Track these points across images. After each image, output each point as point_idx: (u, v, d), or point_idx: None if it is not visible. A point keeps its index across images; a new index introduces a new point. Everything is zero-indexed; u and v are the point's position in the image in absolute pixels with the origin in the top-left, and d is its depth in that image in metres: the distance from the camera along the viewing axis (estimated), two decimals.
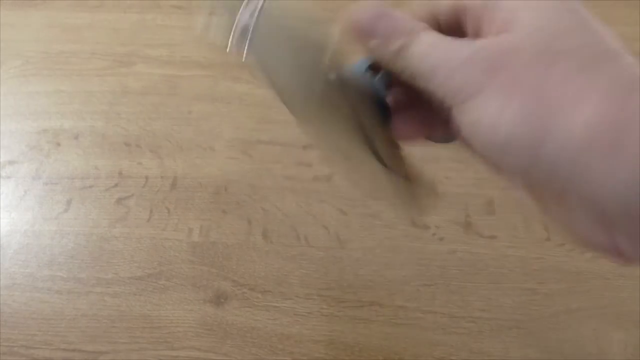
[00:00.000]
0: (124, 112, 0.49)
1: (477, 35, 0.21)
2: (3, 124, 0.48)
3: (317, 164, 0.45)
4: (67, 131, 0.48)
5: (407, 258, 0.38)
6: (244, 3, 0.22)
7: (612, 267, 0.40)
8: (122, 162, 0.46)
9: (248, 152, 0.46)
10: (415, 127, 0.24)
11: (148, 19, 0.56)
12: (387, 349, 0.37)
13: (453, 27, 0.22)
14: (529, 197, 0.20)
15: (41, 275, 0.40)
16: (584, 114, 0.17)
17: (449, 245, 0.41)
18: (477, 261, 0.40)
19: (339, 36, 0.23)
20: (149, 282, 0.40)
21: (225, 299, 0.39)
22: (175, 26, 0.55)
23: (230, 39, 0.22)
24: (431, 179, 0.26)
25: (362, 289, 0.40)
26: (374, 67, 0.23)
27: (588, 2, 0.61)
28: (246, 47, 0.22)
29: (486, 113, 0.18)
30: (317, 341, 0.38)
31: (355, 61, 0.24)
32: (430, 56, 0.19)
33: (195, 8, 0.57)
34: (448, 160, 0.45)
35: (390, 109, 0.24)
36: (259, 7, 0.22)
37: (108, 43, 0.54)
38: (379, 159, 0.24)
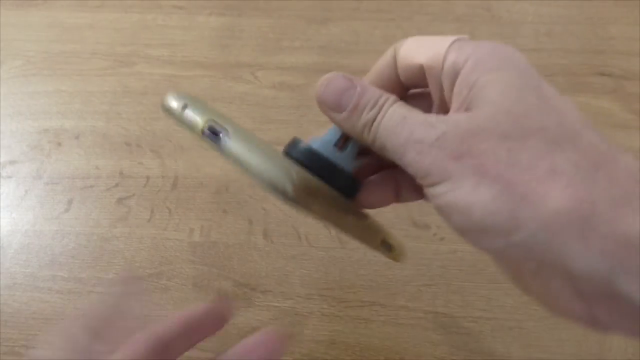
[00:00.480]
0: (124, 112, 0.49)
1: (440, 101, 0.22)
2: (4, 123, 0.48)
3: None
4: (68, 131, 0.48)
5: (408, 258, 0.38)
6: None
7: None
8: (123, 162, 0.46)
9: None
10: (386, 193, 0.25)
11: (149, 19, 0.56)
12: (388, 348, 0.37)
13: (416, 83, 0.23)
14: (504, 271, 0.21)
15: (42, 275, 0.40)
16: (554, 200, 0.17)
17: (449, 245, 0.41)
18: (477, 261, 0.40)
19: None
20: (150, 282, 0.40)
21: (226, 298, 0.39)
22: (176, 26, 0.55)
23: (202, 133, 0.24)
24: (400, 242, 0.27)
25: (363, 289, 0.40)
26: (345, 137, 0.24)
27: (589, 2, 0.61)
28: (220, 142, 0.24)
29: (456, 198, 0.18)
30: (318, 341, 0.38)
31: (325, 133, 0.25)
32: (399, 134, 0.20)
33: (196, 8, 0.57)
34: None
35: (358, 182, 0.24)
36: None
37: (109, 43, 0.54)
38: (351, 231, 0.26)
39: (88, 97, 0.50)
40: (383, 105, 0.21)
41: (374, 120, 0.21)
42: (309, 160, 0.25)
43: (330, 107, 0.23)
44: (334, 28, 0.55)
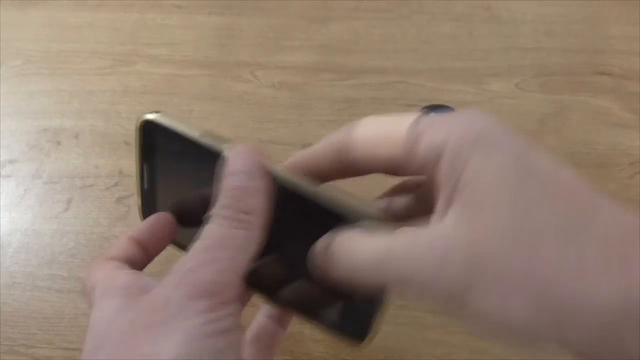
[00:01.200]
0: (124, 111, 0.49)
1: (430, 190, 0.20)
2: (3, 123, 0.48)
3: None
4: (67, 130, 0.48)
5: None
6: None
7: None
8: (122, 161, 0.46)
9: None
10: None
11: (148, 18, 0.56)
12: (388, 348, 0.37)
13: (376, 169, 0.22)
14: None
15: (41, 274, 0.40)
16: (598, 297, 0.16)
17: None
18: None
19: None
20: None
21: None
22: (176, 25, 0.55)
23: None
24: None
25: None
26: None
27: (589, 1, 0.61)
28: None
29: (488, 308, 0.17)
30: (318, 340, 0.38)
31: None
32: (411, 260, 0.18)
33: (196, 7, 0.57)
34: None
35: None
36: None
37: (108, 42, 0.54)
38: None
39: (87, 96, 0.50)
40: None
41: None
42: None
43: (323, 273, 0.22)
44: (333, 27, 0.55)
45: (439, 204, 0.19)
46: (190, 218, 0.28)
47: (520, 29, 0.55)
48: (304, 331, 0.38)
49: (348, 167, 0.22)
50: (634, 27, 0.55)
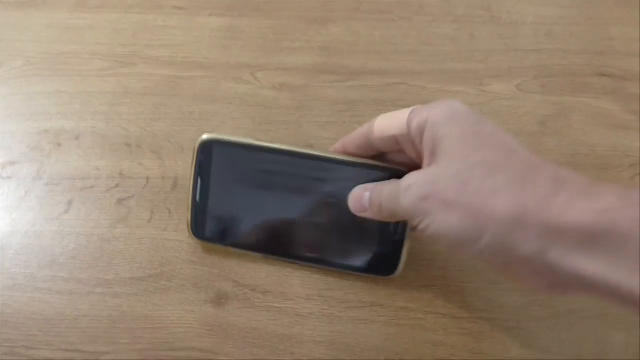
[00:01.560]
0: (125, 113, 0.49)
1: (416, 156, 0.31)
2: (4, 124, 0.48)
3: None
4: (68, 132, 0.48)
5: (408, 259, 0.38)
6: None
7: None
8: (123, 162, 0.46)
9: None
10: None
11: (149, 19, 0.56)
12: (388, 349, 0.37)
13: (391, 149, 0.34)
14: (489, 267, 0.31)
15: (42, 275, 0.40)
16: (499, 210, 0.25)
17: None
18: (477, 262, 0.40)
19: None
20: (150, 283, 0.40)
21: (226, 299, 0.39)
22: (177, 27, 0.55)
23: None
24: None
25: (363, 290, 0.40)
26: None
27: (590, 2, 0.62)
28: None
29: (436, 229, 0.27)
30: (318, 342, 0.38)
31: None
32: (390, 202, 0.30)
33: (197, 9, 0.57)
34: None
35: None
36: None
37: (109, 44, 0.54)
38: None
39: (88, 98, 0.50)
40: (380, 190, 0.32)
41: (380, 203, 0.31)
42: None
43: (360, 211, 0.34)
44: (334, 29, 0.55)
45: (424, 164, 0.30)
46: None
47: (521, 31, 0.55)
48: (304, 332, 0.38)
49: (371, 147, 0.34)
50: (634, 28, 0.55)
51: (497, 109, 0.50)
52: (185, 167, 0.45)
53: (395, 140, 0.31)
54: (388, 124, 0.32)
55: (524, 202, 0.25)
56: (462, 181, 0.26)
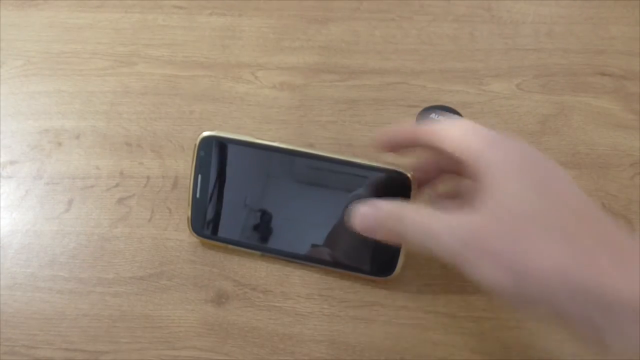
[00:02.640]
0: (125, 112, 0.49)
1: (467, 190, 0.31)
2: (4, 123, 0.48)
3: None
4: (68, 131, 0.48)
5: (408, 258, 0.38)
6: None
7: None
8: (123, 162, 0.46)
9: None
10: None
11: (149, 19, 0.56)
12: (388, 349, 0.37)
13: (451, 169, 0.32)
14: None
15: (42, 275, 0.40)
16: (550, 266, 0.23)
17: None
18: None
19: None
20: (151, 282, 0.40)
21: (227, 298, 0.39)
22: (177, 26, 0.55)
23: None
24: None
25: (363, 289, 0.40)
26: None
27: (590, 2, 0.61)
28: None
29: (476, 273, 0.25)
30: (319, 341, 0.38)
31: None
32: (425, 237, 0.27)
33: (197, 8, 0.57)
34: None
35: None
36: None
37: (109, 43, 0.54)
38: None
39: (88, 97, 0.50)
40: (404, 215, 0.28)
41: (400, 231, 0.28)
42: None
43: (368, 233, 0.30)
44: (334, 28, 0.55)
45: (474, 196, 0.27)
46: None
47: (521, 30, 0.55)
48: (304, 332, 0.38)
49: (416, 144, 0.31)
50: (634, 27, 0.55)
51: (497, 108, 0.50)
52: (185, 167, 0.45)
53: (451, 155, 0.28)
54: (460, 139, 0.28)
55: (569, 266, 0.22)
56: (509, 234, 0.24)
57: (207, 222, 0.39)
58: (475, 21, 0.56)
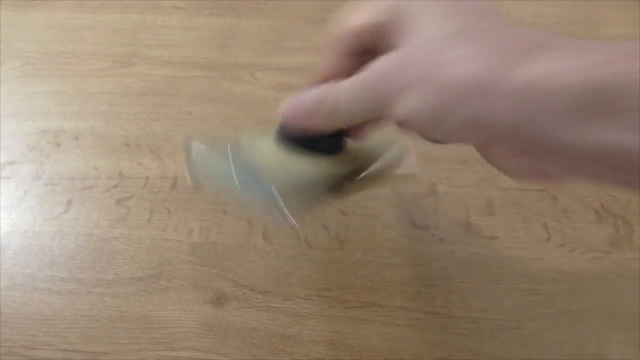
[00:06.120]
0: (124, 113, 0.49)
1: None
2: (3, 124, 0.48)
3: None
4: (67, 132, 0.48)
5: (407, 259, 0.38)
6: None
7: (612, 267, 0.40)
8: (122, 162, 0.46)
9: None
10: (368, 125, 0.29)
11: (148, 19, 0.56)
12: (387, 349, 0.37)
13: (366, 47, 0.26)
14: (476, 149, 0.25)
15: (41, 275, 0.40)
16: (472, 77, 0.20)
17: (448, 246, 0.41)
18: (477, 262, 0.40)
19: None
20: (149, 283, 0.40)
21: (226, 299, 0.39)
22: (176, 27, 0.55)
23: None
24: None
25: (362, 290, 0.40)
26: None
27: (589, 2, 0.61)
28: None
29: (406, 109, 0.22)
30: (317, 342, 0.38)
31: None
32: (354, 92, 0.23)
33: (196, 9, 0.57)
34: (448, 161, 0.45)
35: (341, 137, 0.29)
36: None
37: (108, 44, 0.54)
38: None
39: (87, 97, 0.50)
40: (333, 87, 0.24)
41: (334, 102, 0.24)
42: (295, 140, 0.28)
43: (300, 119, 0.26)
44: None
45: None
46: None
47: None
48: (303, 332, 0.38)
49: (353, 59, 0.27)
50: (633, 28, 0.55)
51: None
52: (184, 167, 0.45)
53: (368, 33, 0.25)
54: (354, 16, 0.25)
55: (495, 65, 0.20)
56: (426, 57, 0.21)
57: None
58: None
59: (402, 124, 0.23)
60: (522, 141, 0.20)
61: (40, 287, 0.40)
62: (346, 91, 0.24)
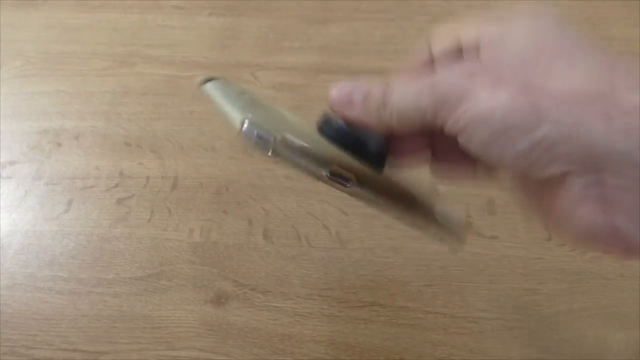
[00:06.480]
0: (124, 113, 0.49)
1: None
2: (4, 124, 0.48)
3: None
4: (67, 131, 0.48)
5: (408, 258, 0.38)
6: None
7: (612, 267, 0.40)
8: (123, 162, 0.46)
9: (249, 152, 0.46)
10: (416, 145, 0.24)
11: (149, 19, 0.56)
12: (388, 349, 0.37)
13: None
14: (527, 194, 0.21)
15: (42, 275, 0.40)
16: (572, 83, 0.17)
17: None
18: (478, 261, 0.40)
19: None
20: (150, 283, 0.40)
21: (226, 299, 0.39)
22: (176, 26, 0.55)
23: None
24: (454, 212, 0.27)
25: (363, 289, 0.40)
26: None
27: (589, 2, 0.61)
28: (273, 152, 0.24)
29: (477, 109, 0.18)
30: (318, 341, 0.38)
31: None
32: (409, 90, 0.20)
33: (196, 8, 0.57)
34: None
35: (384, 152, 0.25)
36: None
37: (109, 43, 0.54)
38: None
39: (88, 97, 0.50)
40: (389, 83, 0.21)
41: (383, 96, 0.21)
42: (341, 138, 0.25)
43: (344, 106, 0.23)
44: (334, 28, 0.55)
45: None
46: None
47: None
48: (304, 332, 0.38)
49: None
50: (634, 28, 0.55)
51: None
52: (185, 166, 0.45)
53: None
54: (455, 32, 0.24)
55: (611, 80, 0.17)
56: (523, 58, 0.19)
57: None
58: None
59: (460, 133, 0.18)
60: (617, 179, 0.16)
61: (41, 287, 0.40)
62: (402, 86, 0.20)
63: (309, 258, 0.41)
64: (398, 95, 0.20)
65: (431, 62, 0.24)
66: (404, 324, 0.38)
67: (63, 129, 0.48)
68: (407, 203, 0.27)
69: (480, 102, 0.18)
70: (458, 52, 0.22)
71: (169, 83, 0.51)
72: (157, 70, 0.52)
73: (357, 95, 0.22)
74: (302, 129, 0.26)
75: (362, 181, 0.24)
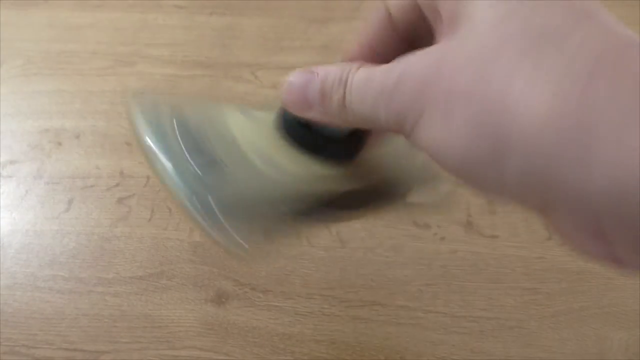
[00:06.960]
0: (125, 112, 0.49)
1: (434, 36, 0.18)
2: (4, 123, 0.48)
3: None
4: (68, 131, 0.48)
5: (409, 258, 0.38)
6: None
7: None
8: (123, 161, 0.46)
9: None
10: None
11: (150, 18, 0.56)
12: (388, 348, 0.37)
13: (415, 27, 0.20)
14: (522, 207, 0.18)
15: (42, 274, 0.40)
16: (538, 117, 0.13)
17: (450, 245, 0.41)
18: (478, 261, 0.40)
19: None
20: (151, 282, 0.40)
21: (227, 298, 0.39)
22: (177, 26, 0.55)
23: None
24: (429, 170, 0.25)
25: (363, 289, 0.40)
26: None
27: None
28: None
29: (433, 137, 0.15)
30: (319, 341, 0.38)
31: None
32: (366, 95, 0.17)
33: (197, 8, 0.57)
34: None
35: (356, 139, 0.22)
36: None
37: (109, 43, 0.54)
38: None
39: (88, 96, 0.50)
40: (347, 77, 0.18)
41: (343, 98, 0.18)
42: (301, 137, 0.22)
43: (300, 108, 0.20)
44: (334, 28, 0.55)
45: (436, 39, 0.17)
46: None
47: None
48: (305, 331, 0.38)
49: (392, 31, 0.20)
50: (634, 27, 0.55)
51: None
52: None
53: (418, 11, 0.19)
54: None
55: (585, 102, 0.13)
56: (482, 59, 0.14)
57: None
58: None
59: (429, 155, 0.16)
60: (606, 222, 0.13)
61: (42, 286, 0.40)
62: (360, 87, 0.18)
63: (310, 257, 0.41)
64: (356, 98, 0.18)
65: (389, 21, 0.20)
66: (404, 323, 0.38)
67: (63, 128, 0.48)
68: (379, 193, 0.24)
69: (435, 131, 0.15)
70: (415, 7, 0.19)
71: (170, 82, 0.51)
72: (158, 70, 0.52)
73: (312, 93, 0.19)
74: (254, 146, 0.23)
75: (327, 201, 0.22)
